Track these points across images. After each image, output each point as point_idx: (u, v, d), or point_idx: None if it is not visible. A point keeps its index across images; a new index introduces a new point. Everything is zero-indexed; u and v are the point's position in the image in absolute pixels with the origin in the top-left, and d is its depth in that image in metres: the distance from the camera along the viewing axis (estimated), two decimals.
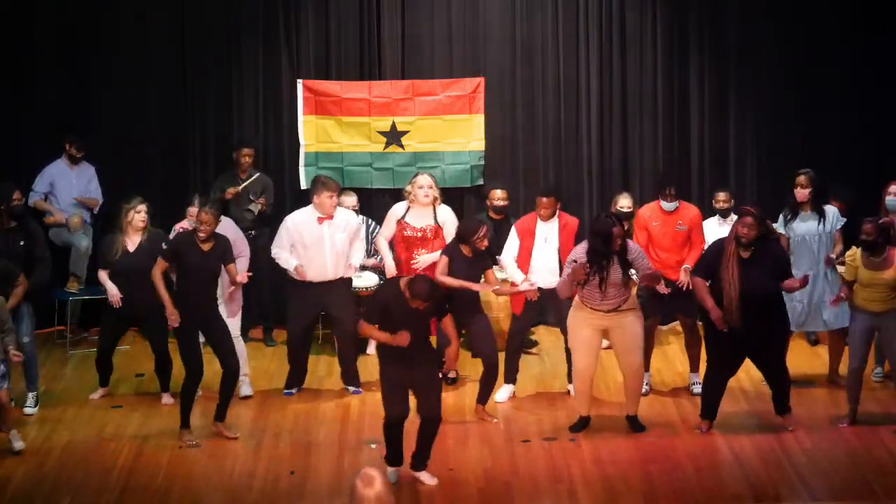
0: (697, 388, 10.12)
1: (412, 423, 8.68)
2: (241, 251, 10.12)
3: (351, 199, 11.35)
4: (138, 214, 10.10)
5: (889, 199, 10.23)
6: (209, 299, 9.48)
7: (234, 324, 10.07)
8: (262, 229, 11.45)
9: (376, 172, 12.17)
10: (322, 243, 10.24)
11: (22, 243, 10.13)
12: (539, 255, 10.02)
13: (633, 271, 9.28)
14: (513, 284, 10.01)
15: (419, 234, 10.72)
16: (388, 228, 10.86)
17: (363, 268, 10.93)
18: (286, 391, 10.44)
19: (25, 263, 10.00)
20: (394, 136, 12.14)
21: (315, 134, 12.17)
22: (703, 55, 12.31)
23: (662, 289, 9.58)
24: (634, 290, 9.46)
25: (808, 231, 10.27)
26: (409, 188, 10.88)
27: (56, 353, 11.56)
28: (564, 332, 9.80)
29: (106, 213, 11.96)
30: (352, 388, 10.44)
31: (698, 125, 12.38)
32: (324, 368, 11.09)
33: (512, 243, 10.13)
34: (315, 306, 10.39)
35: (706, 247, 9.85)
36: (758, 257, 9.11)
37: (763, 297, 9.04)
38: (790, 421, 9.38)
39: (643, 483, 8.58)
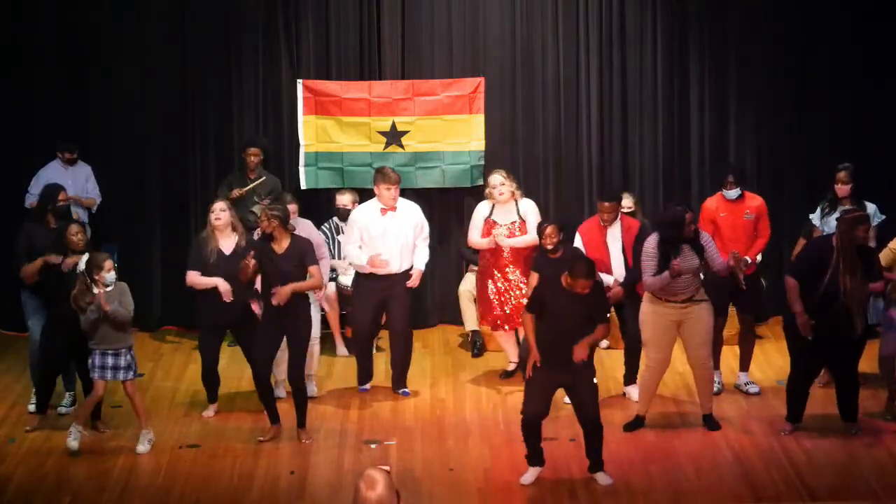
0: (753, 388, 10.14)
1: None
2: (322, 254, 10.11)
3: (344, 198, 11.37)
4: (212, 214, 9.83)
5: None
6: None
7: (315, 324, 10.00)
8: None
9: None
10: (387, 235, 10.25)
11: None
12: (615, 258, 9.97)
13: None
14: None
15: (507, 231, 10.59)
16: (475, 231, 10.70)
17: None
18: (361, 388, 10.44)
19: None
20: (394, 136, 12.14)
21: (315, 134, 12.17)
22: (703, 55, 12.31)
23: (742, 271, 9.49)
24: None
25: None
26: (487, 189, 10.86)
27: None
28: (628, 332, 9.83)
29: (105, 213, 11.99)
30: (401, 391, 10.39)
31: (698, 125, 12.37)
32: (324, 369, 11.08)
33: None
34: (378, 300, 10.33)
35: (804, 245, 9.76)
36: (857, 262, 9.04)
37: (866, 302, 9.08)
38: (852, 427, 9.29)
39: (643, 483, 8.59)
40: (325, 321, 11.22)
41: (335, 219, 11.56)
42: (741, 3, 12.26)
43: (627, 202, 11.28)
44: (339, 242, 11.33)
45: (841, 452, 9.01)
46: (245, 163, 11.66)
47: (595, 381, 8.57)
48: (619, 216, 10.08)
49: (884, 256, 9.49)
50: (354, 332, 10.64)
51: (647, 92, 12.28)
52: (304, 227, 10.21)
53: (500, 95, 12.24)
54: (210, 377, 9.98)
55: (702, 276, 9.34)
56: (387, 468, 5.04)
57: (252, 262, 9.23)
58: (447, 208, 12.17)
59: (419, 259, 10.42)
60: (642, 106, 12.30)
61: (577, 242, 10.07)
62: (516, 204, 10.63)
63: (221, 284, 9.64)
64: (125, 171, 12.09)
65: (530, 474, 8.60)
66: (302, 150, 12.16)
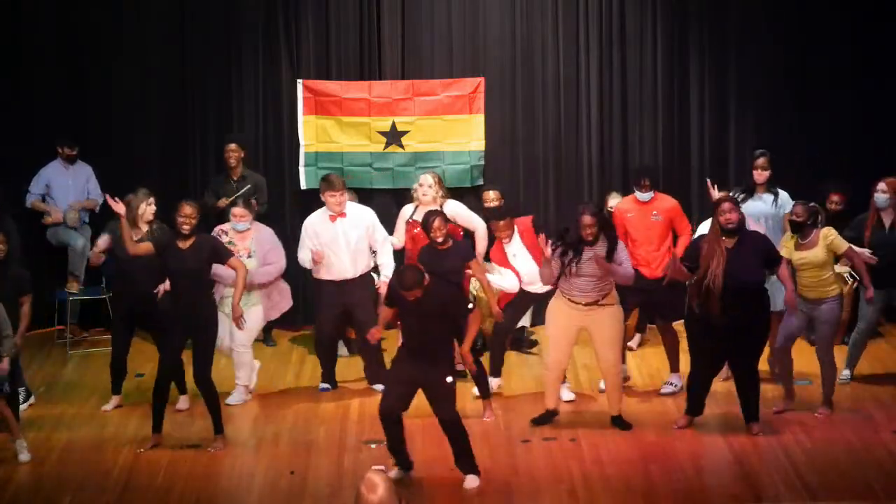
0: (668, 388, 10.19)
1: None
2: (273, 260, 10.15)
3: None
4: (150, 207, 9.87)
5: (878, 196, 10.21)
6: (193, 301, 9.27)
7: (247, 330, 9.96)
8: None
9: (376, 172, 12.16)
10: (338, 241, 10.24)
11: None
12: (522, 271, 9.97)
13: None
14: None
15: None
16: (398, 232, 10.79)
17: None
18: (322, 387, 10.47)
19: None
20: (394, 136, 12.14)
21: (315, 134, 12.17)
22: (703, 55, 12.31)
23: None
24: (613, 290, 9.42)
25: (762, 211, 10.40)
26: (414, 187, 10.88)
27: (56, 353, 11.56)
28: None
29: (105, 213, 11.98)
30: (378, 387, 10.34)
31: (698, 125, 12.38)
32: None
33: (507, 281, 10.06)
34: (339, 305, 10.33)
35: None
36: (742, 246, 9.09)
37: (747, 286, 9.02)
38: (757, 428, 9.30)
39: (643, 483, 8.58)
40: (314, 319, 11.18)
41: None
42: (741, 3, 12.27)
43: (614, 201, 11.24)
44: None
45: (841, 452, 9.00)
46: (225, 162, 11.59)
47: (450, 379, 8.51)
48: (514, 227, 10.01)
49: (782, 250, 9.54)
50: (316, 338, 10.62)
51: (647, 92, 12.28)
52: (263, 233, 10.24)
53: (500, 95, 12.25)
54: (118, 367, 10.05)
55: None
56: (381, 468, 5.04)
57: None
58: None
59: (385, 269, 10.36)
60: (642, 106, 12.31)
61: (497, 271, 10.05)
62: (440, 208, 10.57)
63: (101, 240, 9.96)
64: (125, 171, 12.08)
65: (394, 472, 8.59)
66: (302, 150, 12.16)
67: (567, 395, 10.02)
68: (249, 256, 10.03)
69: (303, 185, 12.14)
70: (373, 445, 9.26)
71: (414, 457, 8.80)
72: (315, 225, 10.35)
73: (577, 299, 9.23)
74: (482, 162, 12.16)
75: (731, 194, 10.09)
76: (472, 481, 8.53)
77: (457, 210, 10.73)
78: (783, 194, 10.54)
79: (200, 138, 12.29)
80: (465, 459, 8.56)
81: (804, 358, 10.32)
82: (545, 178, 12.34)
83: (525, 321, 10.97)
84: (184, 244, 9.19)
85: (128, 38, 12.07)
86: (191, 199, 9.44)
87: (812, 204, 9.70)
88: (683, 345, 9.81)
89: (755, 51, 12.27)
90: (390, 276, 10.20)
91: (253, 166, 11.85)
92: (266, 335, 11.83)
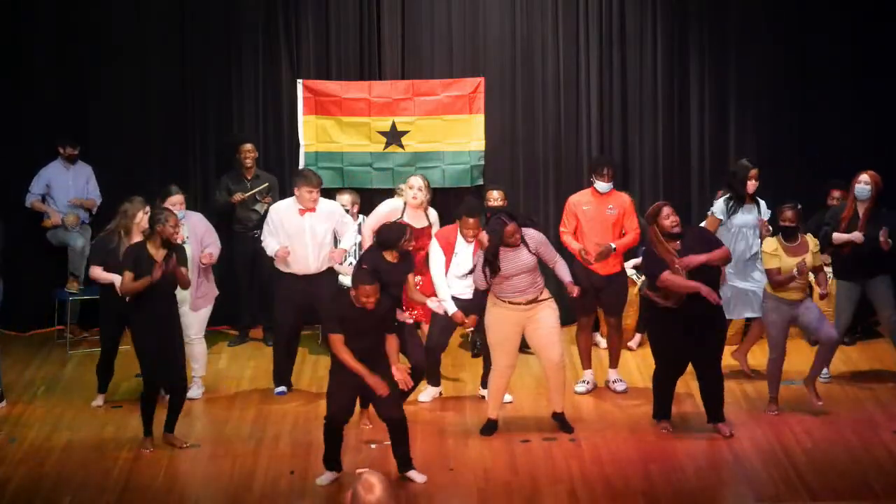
0: (620, 385, 10.22)
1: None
2: (209, 242, 10.16)
3: (344, 198, 11.36)
4: (146, 216, 9.80)
5: (859, 187, 10.19)
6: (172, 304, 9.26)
7: (197, 321, 10.06)
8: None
9: (376, 172, 12.16)
10: (303, 234, 10.20)
11: None
12: (460, 271, 9.84)
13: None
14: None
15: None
16: (375, 219, 10.59)
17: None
18: (277, 391, 10.41)
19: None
20: (394, 136, 12.14)
21: (315, 134, 12.17)
22: (703, 55, 12.31)
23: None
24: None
25: (749, 222, 10.42)
26: (402, 187, 10.85)
27: (56, 353, 11.56)
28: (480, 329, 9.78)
29: (104, 213, 11.99)
30: (279, 389, 10.42)
31: (698, 125, 12.38)
32: (323, 368, 11.04)
33: (437, 255, 9.90)
34: (301, 301, 10.26)
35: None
36: (688, 244, 9.10)
37: (703, 280, 9.03)
38: (726, 429, 9.31)
39: (643, 483, 8.58)
40: (314, 319, 11.17)
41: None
42: (741, 3, 12.27)
43: None
44: (337, 242, 11.29)
45: (841, 452, 9.01)
46: (240, 161, 11.64)
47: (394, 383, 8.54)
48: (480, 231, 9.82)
49: (767, 261, 9.55)
50: (277, 332, 10.55)
51: (647, 92, 12.29)
52: (194, 219, 10.22)
53: (500, 95, 12.25)
54: (106, 366, 10.09)
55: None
56: (363, 470, 5.05)
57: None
58: (447, 208, 12.13)
59: (345, 240, 10.32)
60: (642, 106, 12.31)
61: (435, 247, 9.93)
62: (425, 213, 10.57)
63: (117, 280, 9.54)
64: (125, 171, 12.08)
65: (327, 477, 8.61)
66: (302, 150, 12.16)
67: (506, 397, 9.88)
68: (184, 242, 9.97)
69: None
70: (373, 445, 9.26)
71: (413, 457, 8.79)
72: (281, 213, 10.30)
73: (517, 300, 9.19)
74: (482, 162, 12.16)
75: (723, 201, 10.20)
76: (419, 476, 8.59)
77: (433, 219, 10.64)
78: (762, 202, 10.57)
79: (200, 138, 12.28)
80: (407, 457, 8.61)
81: (799, 357, 10.35)
82: (545, 178, 12.34)
83: None
84: (157, 253, 9.10)
85: (128, 38, 12.07)
86: (169, 213, 9.36)
87: (798, 206, 9.69)
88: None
89: (755, 51, 12.27)
90: (346, 246, 10.28)
91: (256, 165, 11.84)
92: (266, 334, 11.84)
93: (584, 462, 8.90)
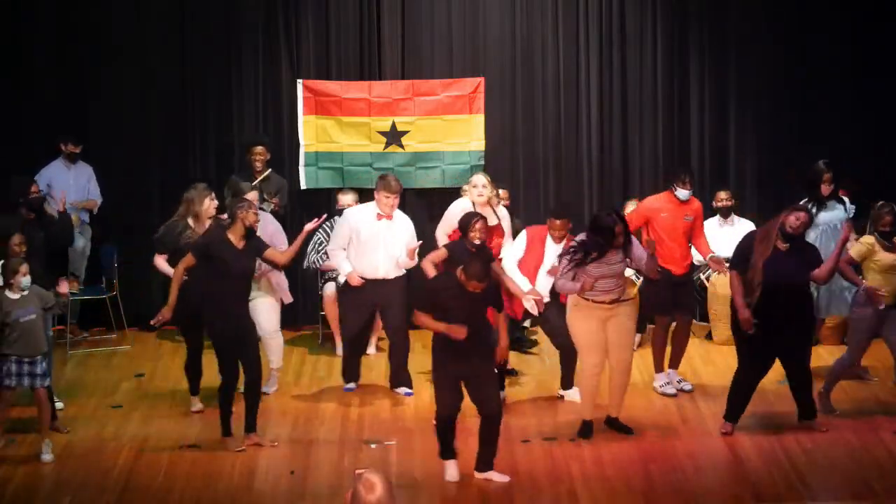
0: (669, 389, 10.18)
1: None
2: (279, 242, 10.11)
3: (347, 198, 11.36)
4: (213, 202, 9.77)
5: None
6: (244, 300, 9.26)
7: (274, 315, 10.10)
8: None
9: (376, 172, 12.10)
10: (377, 240, 10.23)
11: (42, 234, 10.07)
12: (545, 273, 9.86)
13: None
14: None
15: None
16: (447, 224, 10.57)
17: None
18: (346, 387, 10.45)
19: (48, 256, 9.91)
20: (394, 136, 12.14)
21: (315, 134, 12.17)
22: (703, 55, 12.32)
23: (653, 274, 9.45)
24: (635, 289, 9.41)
25: (834, 218, 10.44)
26: (465, 187, 10.85)
27: (56, 353, 11.50)
28: (556, 335, 9.75)
29: (105, 213, 12.00)
30: (403, 391, 10.38)
31: (698, 125, 12.38)
32: (324, 368, 11.10)
33: (518, 247, 9.97)
34: (368, 304, 10.31)
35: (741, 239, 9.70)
36: (794, 250, 9.10)
37: (796, 288, 9.05)
38: (819, 424, 9.32)
39: (643, 483, 8.58)
40: (314, 319, 11.22)
41: (335, 218, 11.53)
42: (741, 3, 12.27)
43: (632, 206, 11.31)
44: None
45: (841, 452, 9.00)
46: (250, 163, 11.65)
47: (496, 371, 8.62)
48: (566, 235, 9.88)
49: (856, 251, 9.52)
50: (345, 335, 10.63)
51: (647, 92, 12.29)
52: (266, 218, 10.24)
53: (500, 95, 12.25)
54: (194, 368, 10.00)
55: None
56: (364, 470, 5.04)
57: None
58: (446, 208, 12.16)
59: (402, 257, 10.30)
60: (642, 106, 12.32)
61: (521, 240, 9.96)
62: (493, 209, 10.47)
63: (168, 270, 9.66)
64: (125, 171, 12.09)
65: (453, 468, 8.59)
66: (302, 150, 12.16)
67: (577, 396, 9.90)
68: None
69: (303, 185, 12.14)
70: (373, 445, 9.26)
71: (413, 457, 8.79)
72: (357, 218, 10.29)
73: (601, 299, 9.15)
74: (482, 162, 12.16)
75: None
76: (500, 477, 8.58)
77: (503, 214, 10.48)
78: (846, 199, 10.57)
79: (200, 138, 12.28)
80: (491, 456, 8.58)
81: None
82: (545, 178, 12.34)
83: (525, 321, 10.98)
84: (240, 244, 9.07)
85: (128, 38, 12.07)
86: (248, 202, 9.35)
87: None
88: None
89: (755, 51, 12.27)
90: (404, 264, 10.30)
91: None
92: None
93: (585, 462, 8.89)
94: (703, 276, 11.27)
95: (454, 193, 11.89)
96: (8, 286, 9.06)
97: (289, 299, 10.40)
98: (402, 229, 10.32)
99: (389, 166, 12.13)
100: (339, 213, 11.39)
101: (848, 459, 8.89)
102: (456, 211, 10.49)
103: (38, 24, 12.04)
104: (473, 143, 12.16)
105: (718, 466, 8.89)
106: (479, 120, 12.14)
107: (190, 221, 9.86)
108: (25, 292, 9.05)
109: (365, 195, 11.81)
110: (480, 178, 10.54)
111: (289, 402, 10.25)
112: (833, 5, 12.21)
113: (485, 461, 8.59)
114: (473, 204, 10.46)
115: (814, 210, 10.33)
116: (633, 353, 9.58)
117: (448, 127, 12.15)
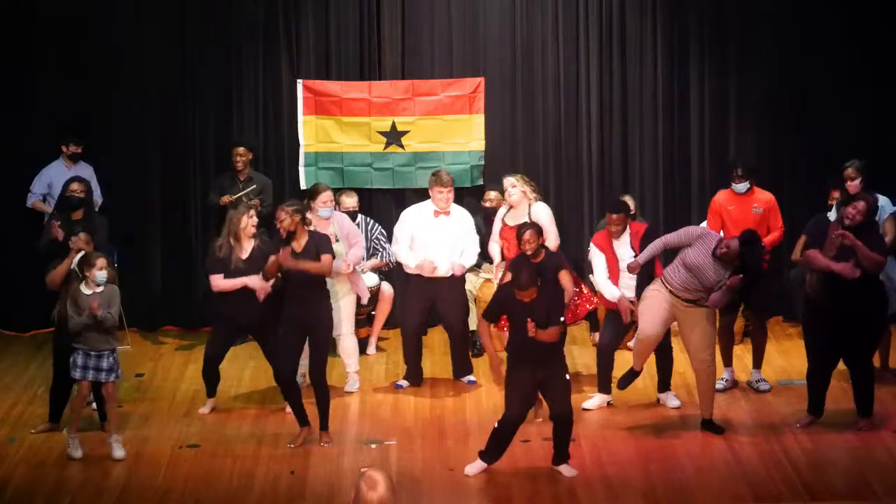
0: (764, 385, 10.15)
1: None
2: (353, 241, 10.23)
3: (352, 200, 11.35)
4: (252, 220, 9.71)
5: None
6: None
7: (346, 317, 10.19)
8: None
9: (376, 172, 12.16)
10: (437, 239, 10.31)
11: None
12: (625, 273, 9.78)
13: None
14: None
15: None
16: (495, 231, 10.63)
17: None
18: (398, 384, 10.51)
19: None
20: (394, 136, 12.14)
21: (315, 134, 12.17)
22: (703, 55, 12.31)
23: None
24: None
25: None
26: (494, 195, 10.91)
27: None
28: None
29: (105, 213, 11.99)
30: (466, 379, 10.54)
31: (698, 125, 12.37)
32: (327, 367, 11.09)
33: (599, 261, 9.86)
34: (427, 300, 10.39)
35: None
36: (861, 241, 9.08)
37: (859, 279, 9.02)
38: (867, 423, 9.32)
39: (643, 483, 8.58)
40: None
41: None
42: (741, 3, 12.26)
43: (630, 203, 11.29)
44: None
45: (841, 452, 9.01)
46: (232, 164, 11.62)
47: (568, 377, 8.67)
48: (628, 224, 9.86)
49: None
50: (402, 332, 10.72)
51: (648, 92, 12.28)
52: (345, 221, 10.36)
53: (500, 95, 12.24)
54: (212, 371, 9.94)
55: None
56: (364, 469, 5.05)
57: (275, 257, 9.24)
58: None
59: (467, 258, 10.45)
60: (642, 106, 12.30)
61: (595, 253, 9.91)
62: (529, 208, 10.48)
63: (250, 282, 9.52)
64: (125, 171, 12.08)
65: (479, 466, 8.68)
66: (302, 150, 12.16)
67: (673, 402, 9.96)
68: (337, 240, 10.03)
69: (303, 185, 12.13)
70: (373, 445, 9.26)
71: (414, 457, 8.80)
72: (415, 218, 10.40)
73: (677, 293, 9.16)
74: (482, 162, 12.16)
75: (835, 207, 10.18)
76: (569, 470, 8.66)
77: (544, 214, 10.40)
78: (882, 199, 10.44)
79: (200, 138, 12.28)
80: (565, 451, 8.69)
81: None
82: (545, 178, 12.32)
83: None
84: (298, 246, 9.18)
85: (128, 38, 12.06)
86: (284, 205, 9.38)
87: None
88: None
89: (755, 51, 12.26)
90: (467, 264, 10.43)
91: (254, 166, 11.85)
92: None
93: (585, 462, 8.90)
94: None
95: (454, 194, 11.89)
96: (84, 279, 9.04)
97: (366, 290, 10.46)
98: (462, 223, 10.44)
99: (389, 166, 12.13)
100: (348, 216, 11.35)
101: (848, 459, 8.89)
102: (500, 213, 10.59)
103: (39, 25, 12.03)
104: (473, 143, 12.16)
105: (718, 466, 8.88)
106: (479, 120, 12.14)
107: (231, 241, 9.70)
108: (100, 288, 9.04)
109: (365, 195, 11.83)
110: (507, 180, 10.56)
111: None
112: (833, 5, 12.19)
113: (559, 456, 8.71)
114: (509, 209, 10.49)
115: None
116: (624, 352, 9.57)
117: (448, 127, 12.15)
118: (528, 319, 8.40)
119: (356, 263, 10.30)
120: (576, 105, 12.29)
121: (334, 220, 10.29)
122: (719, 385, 10.09)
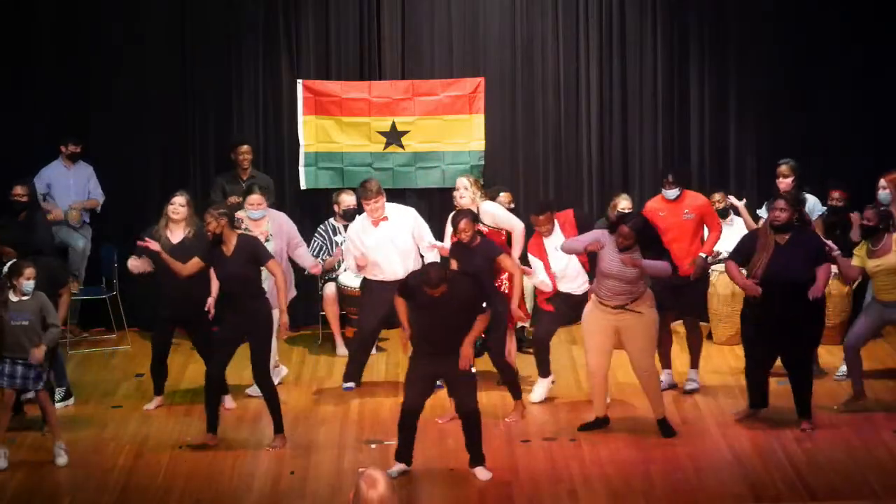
0: (691, 385, 10.19)
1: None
2: (297, 242, 10.33)
3: (351, 199, 11.35)
4: (171, 206, 9.87)
5: (881, 193, 10.31)
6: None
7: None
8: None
9: (376, 172, 12.15)
10: (385, 245, 10.26)
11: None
12: (558, 266, 9.91)
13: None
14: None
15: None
16: (446, 235, 10.60)
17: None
18: (345, 385, 10.47)
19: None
20: (394, 136, 12.14)
21: (315, 134, 12.17)
22: (703, 55, 12.31)
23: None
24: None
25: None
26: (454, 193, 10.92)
27: None
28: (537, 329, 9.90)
29: (106, 213, 12.00)
30: (348, 385, 10.49)
31: (698, 125, 12.38)
32: (324, 368, 11.10)
33: (536, 265, 9.97)
34: (386, 304, 10.27)
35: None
36: (793, 244, 9.13)
37: (795, 282, 9.05)
38: (806, 425, 9.34)
39: (643, 483, 8.58)
40: (314, 319, 11.21)
41: (331, 220, 11.53)
42: (741, 3, 12.26)
43: (626, 203, 11.31)
44: (336, 243, 11.31)
45: (841, 452, 9.00)
46: (236, 162, 11.65)
47: (474, 371, 8.68)
48: (555, 220, 10.01)
49: (854, 263, 9.61)
50: (357, 333, 10.66)
51: (648, 92, 12.29)
52: (277, 218, 10.31)
53: (500, 95, 12.25)
54: (160, 368, 10.03)
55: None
56: (363, 470, 5.07)
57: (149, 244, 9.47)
58: (447, 208, 12.13)
59: (426, 238, 10.41)
60: (642, 106, 12.31)
61: (532, 261, 9.96)
62: (477, 210, 10.42)
63: (141, 264, 9.92)
64: (125, 171, 12.09)
65: (396, 469, 8.64)
66: (302, 150, 12.17)
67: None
68: (267, 240, 10.05)
69: (303, 185, 12.15)
70: (373, 445, 9.26)
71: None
72: (358, 232, 10.36)
73: (606, 301, 9.16)
74: (482, 162, 12.16)
75: (766, 204, 10.19)
76: (483, 473, 8.61)
77: (493, 211, 10.40)
78: (810, 199, 10.56)
79: (200, 138, 12.28)
80: (477, 452, 8.65)
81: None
82: (545, 178, 12.34)
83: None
84: (227, 250, 9.17)
85: (128, 37, 12.07)
86: (211, 208, 9.33)
87: (883, 207, 9.71)
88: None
89: (755, 51, 12.27)
90: (434, 241, 10.41)
91: (253, 166, 11.85)
92: None
93: (585, 462, 8.90)
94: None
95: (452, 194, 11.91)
96: (12, 287, 9.03)
97: (292, 292, 10.47)
98: (403, 223, 10.37)
99: (389, 166, 12.14)
100: (345, 214, 11.33)
101: (848, 459, 8.89)
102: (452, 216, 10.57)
103: (39, 25, 12.04)
104: (473, 143, 12.17)
105: (718, 466, 8.88)
106: (479, 120, 12.15)
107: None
108: (25, 297, 9.01)
109: None
110: (462, 181, 10.57)
111: (288, 402, 10.24)
112: (833, 5, 12.20)
113: (472, 457, 8.68)
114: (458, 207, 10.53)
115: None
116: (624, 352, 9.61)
117: (448, 127, 12.15)
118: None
119: (313, 264, 10.34)
120: (576, 105, 12.30)
121: (271, 219, 10.25)
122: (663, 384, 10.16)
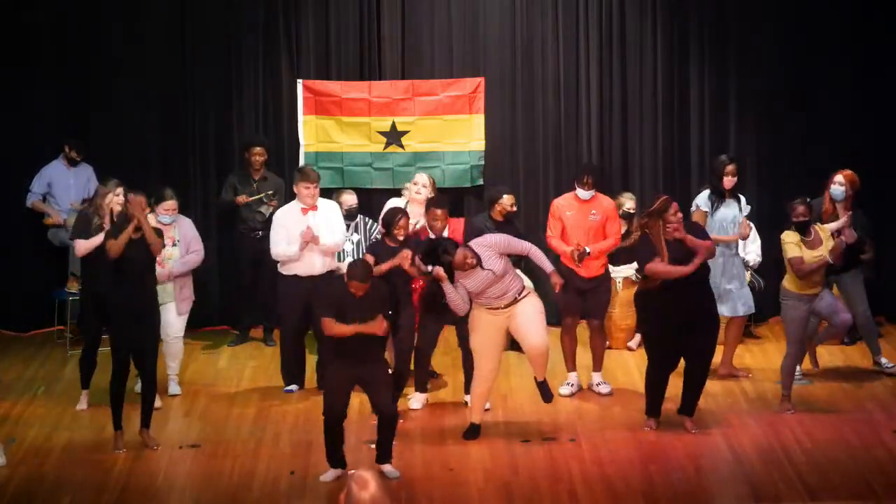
0: (605, 388, 10.20)
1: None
2: (195, 249, 10.21)
3: (352, 198, 11.35)
4: (117, 198, 9.85)
5: (835, 189, 10.33)
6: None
7: (179, 321, 10.21)
8: (269, 230, 11.41)
9: (376, 172, 12.17)
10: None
11: None
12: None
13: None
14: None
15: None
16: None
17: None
18: (286, 389, 10.42)
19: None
20: (394, 136, 12.15)
21: (315, 134, 12.17)
22: (703, 55, 12.32)
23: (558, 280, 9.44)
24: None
25: (728, 217, 10.48)
26: (407, 185, 10.91)
27: (56, 353, 11.56)
28: (462, 336, 9.76)
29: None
30: (291, 388, 10.46)
31: (698, 125, 12.38)
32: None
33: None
34: (305, 302, 10.25)
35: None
36: (685, 245, 9.17)
37: (691, 282, 9.09)
38: (691, 425, 9.34)
39: (643, 483, 8.58)
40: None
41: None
42: (741, 3, 12.26)
43: (631, 203, 11.32)
44: None
45: (841, 452, 9.00)
46: (249, 163, 11.65)
47: (390, 371, 8.74)
48: (448, 222, 10.07)
49: (789, 249, 9.61)
50: (281, 334, 10.61)
51: (647, 92, 12.29)
52: (184, 224, 10.27)
53: (500, 95, 12.25)
54: (89, 362, 10.02)
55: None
56: (353, 472, 5.08)
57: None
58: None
59: (328, 237, 10.28)
60: (642, 106, 12.32)
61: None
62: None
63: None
64: (126, 171, 12.03)
65: (331, 474, 8.65)
66: (302, 150, 12.17)
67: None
68: (174, 245, 10.07)
69: None
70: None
71: (413, 457, 8.79)
72: (286, 217, 10.33)
73: (496, 304, 9.14)
74: (482, 162, 12.17)
75: (708, 199, 10.39)
76: (392, 471, 8.64)
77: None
78: (742, 199, 10.64)
79: (200, 138, 12.29)
80: (386, 450, 8.69)
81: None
82: (545, 178, 12.34)
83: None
84: (136, 235, 9.15)
85: (128, 37, 12.07)
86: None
87: (808, 200, 9.76)
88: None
89: (755, 51, 12.27)
90: (328, 243, 10.30)
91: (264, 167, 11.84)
92: (266, 335, 11.84)
93: (584, 462, 8.90)
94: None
95: (454, 193, 11.92)
96: None
97: (187, 305, 10.35)
98: (329, 217, 10.35)
99: (389, 166, 12.14)
100: (347, 214, 11.32)
101: (848, 459, 8.89)
102: (387, 208, 10.56)
103: (39, 25, 12.04)
104: (473, 143, 12.17)
105: (718, 466, 8.89)
106: (479, 120, 12.15)
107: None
108: None
109: (365, 195, 11.83)
110: (423, 177, 10.66)
111: (289, 402, 10.25)
112: (833, 5, 12.20)
113: (381, 454, 8.69)
114: (408, 203, 10.57)
115: (714, 205, 10.46)
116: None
117: (448, 127, 12.15)
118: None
119: (188, 269, 10.20)
120: (576, 105, 12.30)
121: (179, 225, 10.19)
122: (565, 390, 10.19)
